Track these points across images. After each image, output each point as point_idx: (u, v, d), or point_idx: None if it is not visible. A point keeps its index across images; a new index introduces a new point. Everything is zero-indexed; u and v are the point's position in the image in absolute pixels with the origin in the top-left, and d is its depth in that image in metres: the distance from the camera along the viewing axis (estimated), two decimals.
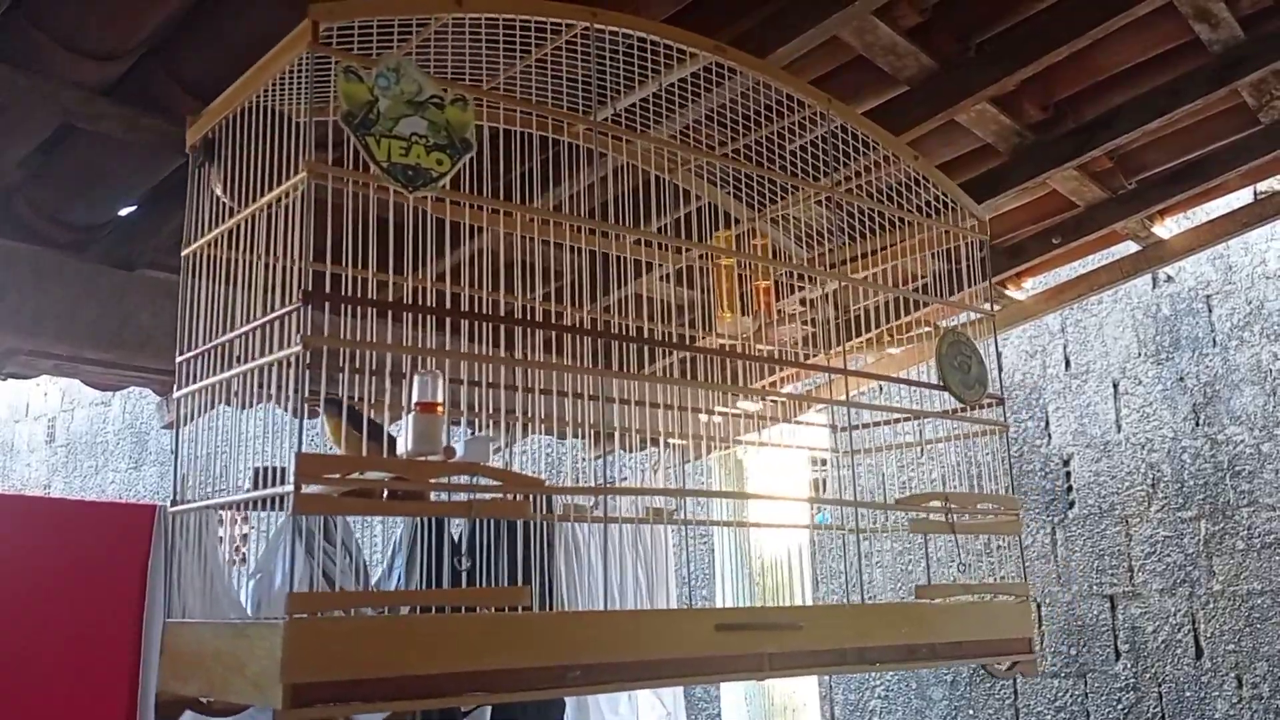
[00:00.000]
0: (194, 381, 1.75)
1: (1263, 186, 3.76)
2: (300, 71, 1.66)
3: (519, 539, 2.26)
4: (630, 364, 2.12)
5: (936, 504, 2.10)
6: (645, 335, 2.36)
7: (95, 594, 2.35)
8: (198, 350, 1.72)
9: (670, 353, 2.54)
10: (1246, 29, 2.61)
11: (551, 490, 1.76)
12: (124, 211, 2.50)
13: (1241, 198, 3.72)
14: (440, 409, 1.72)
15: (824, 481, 3.20)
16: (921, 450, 2.34)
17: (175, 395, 1.74)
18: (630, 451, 3.11)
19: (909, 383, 2.27)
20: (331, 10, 1.59)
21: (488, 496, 1.62)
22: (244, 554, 2.51)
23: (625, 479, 4.14)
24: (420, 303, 1.85)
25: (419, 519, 2.75)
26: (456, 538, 2.79)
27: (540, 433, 2.37)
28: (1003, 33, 2.54)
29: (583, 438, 2.47)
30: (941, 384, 2.20)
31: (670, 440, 2.96)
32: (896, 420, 2.35)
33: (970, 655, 2.19)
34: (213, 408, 1.71)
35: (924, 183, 2.27)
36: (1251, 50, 2.66)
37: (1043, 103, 2.89)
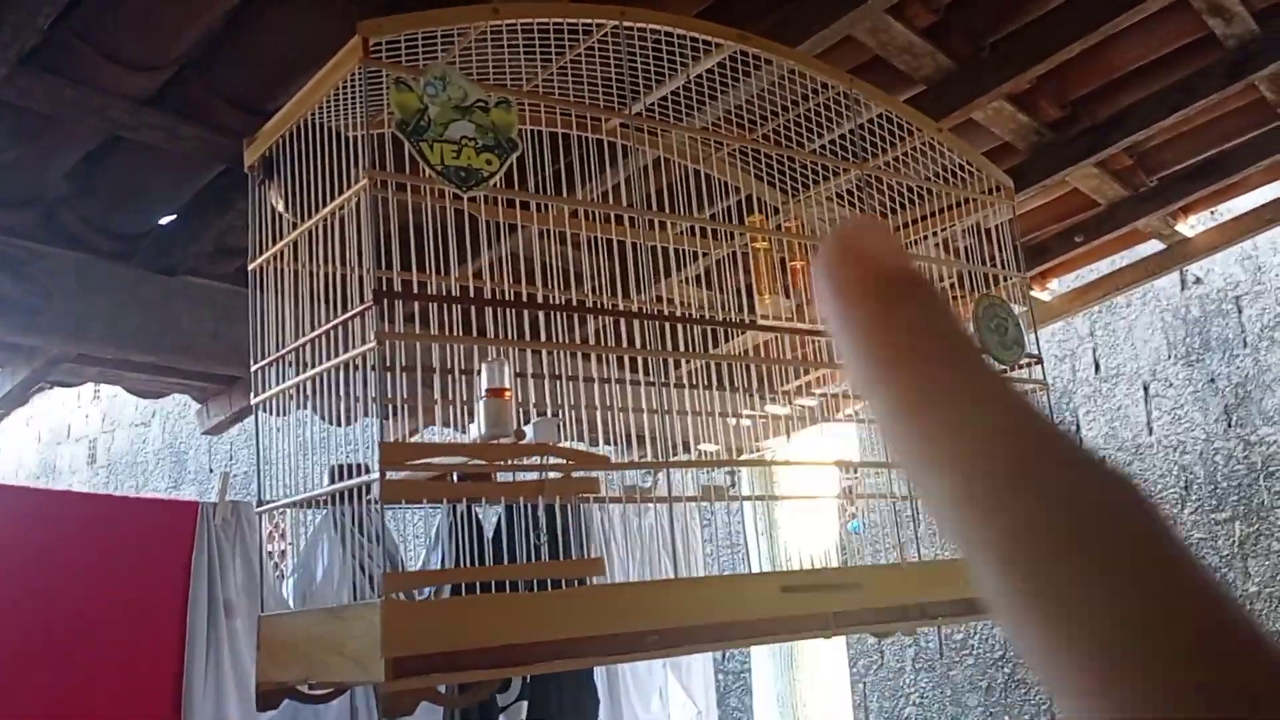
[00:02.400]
0: (268, 388, 1.82)
1: None
2: (352, 86, 1.74)
3: (554, 531, 2.31)
4: (656, 365, 2.17)
5: None
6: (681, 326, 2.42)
7: (141, 587, 2.43)
8: (273, 357, 1.79)
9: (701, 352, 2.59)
10: (1261, 23, 2.64)
11: (617, 466, 1.82)
12: (164, 220, 2.59)
13: (1266, 194, 3.73)
14: (508, 393, 1.79)
15: (854, 488, 3.22)
16: None
17: (254, 400, 1.81)
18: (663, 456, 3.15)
19: None
20: (379, 26, 1.67)
21: (556, 475, 1.68)
22: (282, 550, 2.58)
23: (647, 483, 4.18)
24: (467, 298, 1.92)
25: (453, 514, 2.82)
26: (491, 532, 2.85)
27: (574, 439, 2.44)
28: (1016, 31, 2.59)
29: (614, 444, 2.53)
30: (980, 346, 2.24)
31: (702, 446, 3.00)
32: None
33: None
34: (287, 413, 1.78)
35: (949, 158, 2.32)
36: (1267, 44, 2.68)
37: (1060, 101, 2.93)
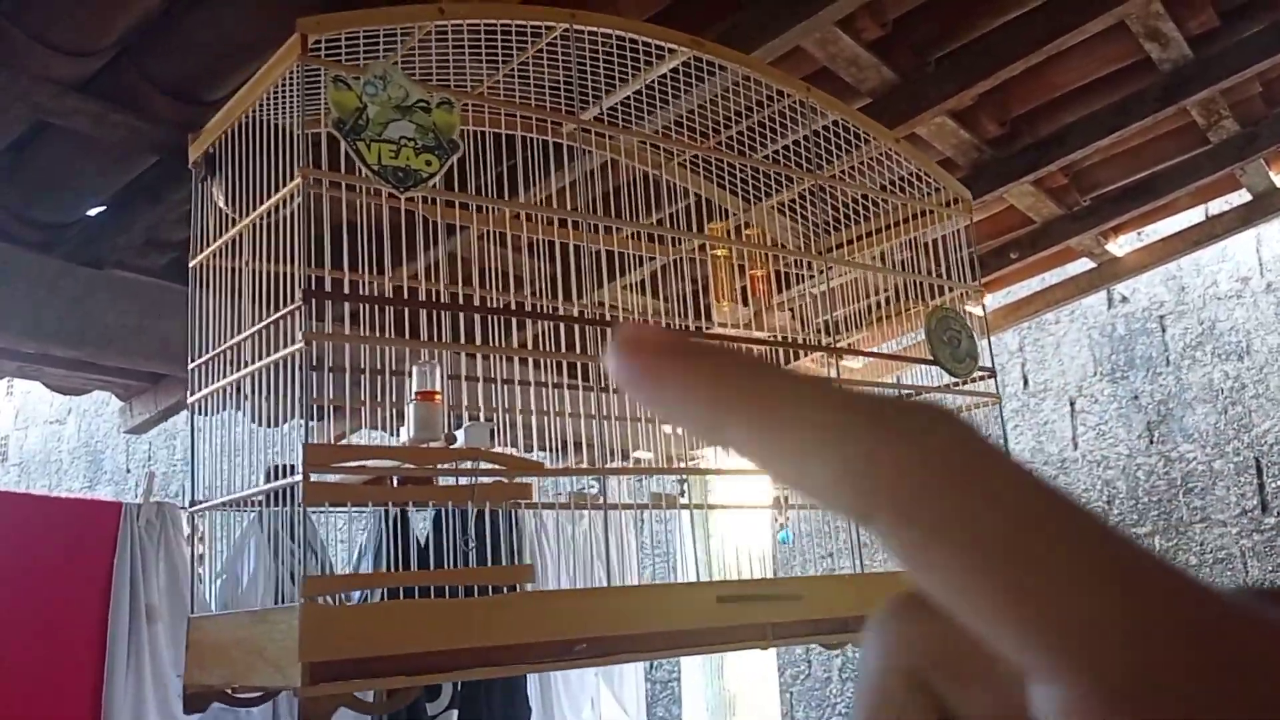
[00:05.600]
0: (204, 387, 1.78)
1: (1214, 207, 3.87)
2: (292, 84, 1.70)
3: (487, 543, 2.27)
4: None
5: None
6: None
7: (61, 589, 2.35)
8: (208, 355, 1.75)
9: None
10: (1195, 49, 2.70)
11: (552, 473, 1.79)
12: (92, 211, 2.51)
13: (1192, 217, 3.82)
14: (438, 397, 1.76)
15: (787, 497, 3.23)
16: None
17: (190, 400, 1.76)
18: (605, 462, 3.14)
19: (898, 358, 2.31)
20: (319, 23, 1.63)
21: (488, 480, 1.65)
22: (203, 555, 2.51)
23: (593, 489, 4.16)
24: (410, 300, 1.88)
25: (383, 524, 2.76)
26: (423, 542, 2.80)
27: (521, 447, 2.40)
28: (960, 48, 2.62)
29: (549, 450, 2.50)
30: (932, 358, 2.24)
31: (637, 453, 2.99)
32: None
33: None
34: (220, 412, 1.74)
35: (906, 172, 2.33)
36: (1199, 70, 2.75)
37: (1000, 119, 2.97)
